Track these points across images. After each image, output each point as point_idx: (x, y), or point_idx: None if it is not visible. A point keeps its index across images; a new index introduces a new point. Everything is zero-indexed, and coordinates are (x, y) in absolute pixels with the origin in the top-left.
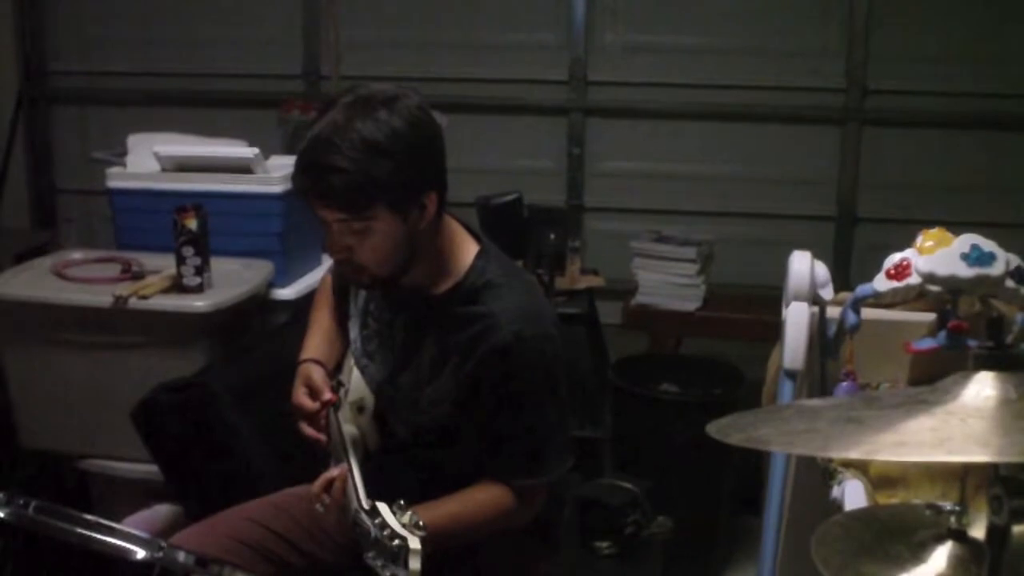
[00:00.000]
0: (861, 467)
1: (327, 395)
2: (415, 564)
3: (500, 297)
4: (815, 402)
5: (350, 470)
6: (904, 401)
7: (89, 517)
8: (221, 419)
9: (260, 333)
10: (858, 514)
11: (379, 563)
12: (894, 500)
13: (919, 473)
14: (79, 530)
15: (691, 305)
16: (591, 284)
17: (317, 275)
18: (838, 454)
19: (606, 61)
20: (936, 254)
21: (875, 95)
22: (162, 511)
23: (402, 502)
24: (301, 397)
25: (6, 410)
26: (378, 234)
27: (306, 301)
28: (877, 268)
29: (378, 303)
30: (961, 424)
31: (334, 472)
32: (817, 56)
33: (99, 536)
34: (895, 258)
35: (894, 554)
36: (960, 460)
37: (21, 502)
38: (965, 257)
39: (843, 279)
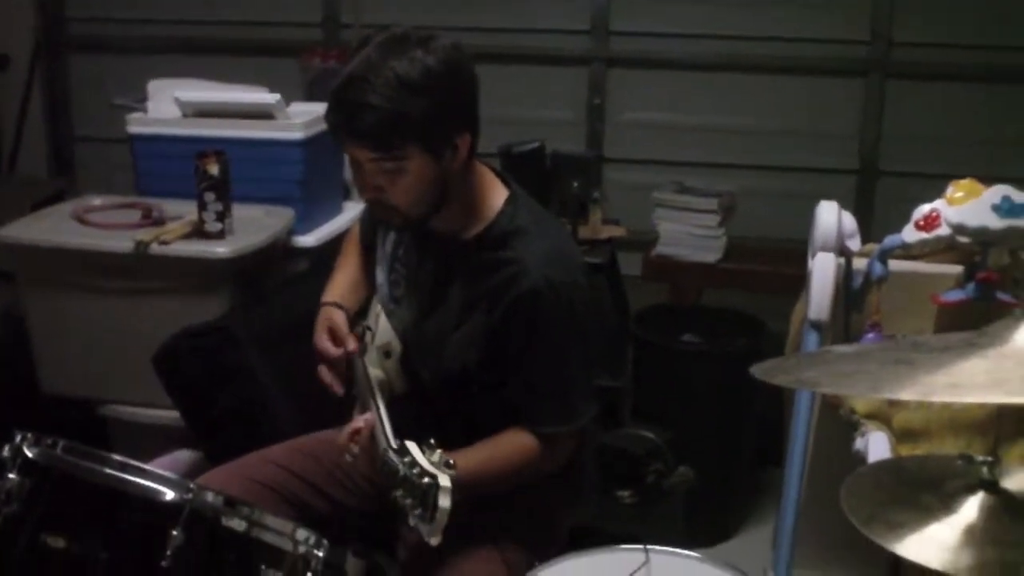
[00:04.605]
0: (884, 419)
1: (351, 344)
2: (445, 502)
3: (530, 243)
4: (853, 347)
5: (377, 412)
6: (952, 345)
7: (117, 457)
8: (242, 364)
9: (281, 279)
10: (887, 464)
11: (408, 502)
12: (917, 452)
13: (943, 425)
14: (108, 471)
15: (712, 256)
16: (613, 234)
17: (338, 223)
18: (891, 395)
19: (628, 11)
20: (966, 205)
21: (900, 47)
22: (183, 456)
23: (432, 441)
24: (324, 341)
25: (27, 356)
26: (410, 174)
27: (327, 248)
28: (899, 222)
29: (406, 248)
30: (1017, 367)
31: (360, 423)
32: (841, 7)
33: (128, 477)
34: (924, 209)
35: (924, 504)
36: (1021, 402)
37: (49, 442)
38: (996, 208)
39: (865, 233)
